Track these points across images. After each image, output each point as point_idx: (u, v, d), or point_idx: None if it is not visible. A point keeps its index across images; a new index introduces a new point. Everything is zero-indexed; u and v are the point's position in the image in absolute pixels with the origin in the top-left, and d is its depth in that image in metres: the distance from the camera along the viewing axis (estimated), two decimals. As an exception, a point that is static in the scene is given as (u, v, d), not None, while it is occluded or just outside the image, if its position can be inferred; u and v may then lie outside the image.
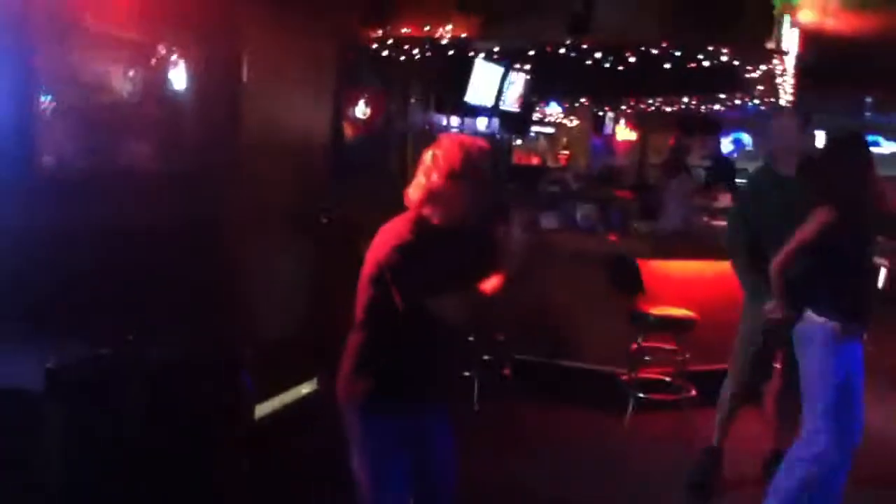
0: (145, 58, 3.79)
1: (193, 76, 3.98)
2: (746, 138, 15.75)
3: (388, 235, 2.46)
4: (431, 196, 2.46)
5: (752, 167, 11.86)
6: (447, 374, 2.68)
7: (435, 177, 2.45)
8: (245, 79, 4.23)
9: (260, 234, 4.48)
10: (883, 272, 6.13)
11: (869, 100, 11.81)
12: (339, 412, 2.58)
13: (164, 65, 3.90)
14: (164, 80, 3.93)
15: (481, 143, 2.54)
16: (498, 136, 9.67)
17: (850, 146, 3.54)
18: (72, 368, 2.71)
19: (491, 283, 2.45)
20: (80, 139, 3.50)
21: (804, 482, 3.38)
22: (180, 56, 3.95)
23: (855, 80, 9.58)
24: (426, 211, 2.49)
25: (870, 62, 8.76)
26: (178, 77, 3.97)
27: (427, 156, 2.50)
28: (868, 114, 14.42)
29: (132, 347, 2.94)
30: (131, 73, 3.75)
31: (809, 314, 3.42)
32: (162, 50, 3.88)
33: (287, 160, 4.76)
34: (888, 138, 15.56)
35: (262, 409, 4.62)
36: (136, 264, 3.47)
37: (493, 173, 2.57)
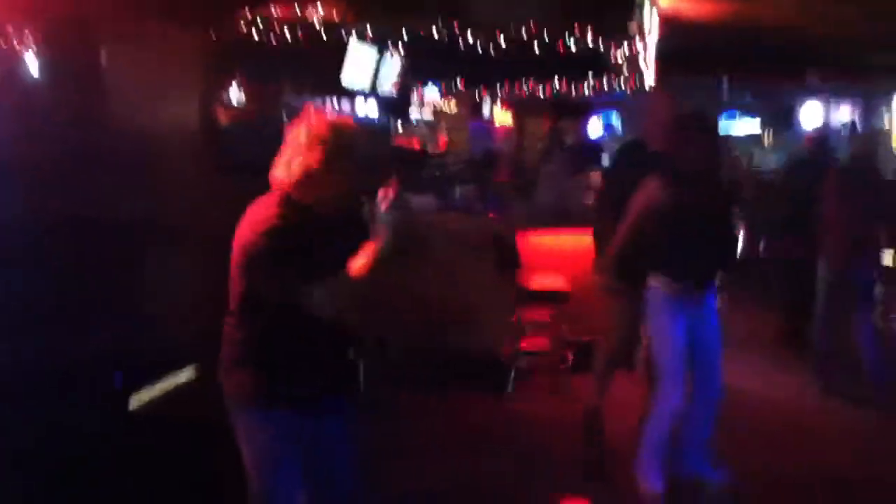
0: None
1: (49, 67, 3.78)
2: (616, 121, 16.39)
3: (255, 219, 2.33)
4: (299, 175, 2.34)
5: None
6: (334, 363, 2.55)
7: (301, 154, 2.34)
8: (104, 69, 4.05)
9: (136, 226, 4.31)
10: (740, 240, 6.57)
11: (724, 82, 12.55)
12: (222, 404, 2.48)
13: (16, 59, 3.69)
14: (17, 75, 3.71)
15: (350, 120, 2.49)
16: (377, 121, 9.68)
17: (689, 123, 3.74)
18: None
19: (358, 265, 2.36)
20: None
21: (663, 437, 3.64)
22: (33, 49, 3.74)
23: (711, 63, 10.14)
24: (295, 192, 2.37)
25: (725, 45, 9.30)
26: (32, 70, 3.76)
27: (298, 133, 2.37)
28: (723, 95, 15.29)
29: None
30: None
31: (650, 279, 3.66)
32: (14, 43, 3.66)
33: (158, 155, 4.59)
34: (744, 114, 16.47)
35: (140, 399, 4.49)
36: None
37: (371, 156, 2.55)
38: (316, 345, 2.43)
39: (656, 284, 3.65)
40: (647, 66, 7.74)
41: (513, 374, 5.11)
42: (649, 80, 8.73)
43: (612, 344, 4.26)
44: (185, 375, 4.93)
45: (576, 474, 3.99)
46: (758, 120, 15.82)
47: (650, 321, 3.72)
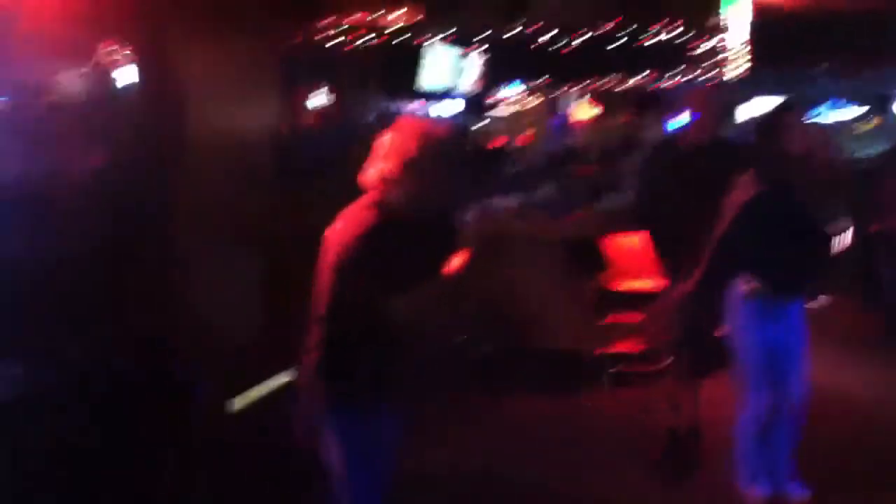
0: (85, 59, 3.68)
1: (135, 79, 3.87)
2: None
3: (350, 222, 2.35)
4: (386, 182, 2.36)
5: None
6: (417, 369, 2.60)
7: (389, 162, 2.35)
8: (183, 81, 4.11)
9: (210, 235, 4.39)
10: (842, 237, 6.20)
11: (825, 66, 11.98)
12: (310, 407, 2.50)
13: (104, 68, 3.79)
14: (106, 84, 3.82)
15: (442, 126, 2.47)
16: (458, 120, 9.65)
17: (774, 116, 3.52)
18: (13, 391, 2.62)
19: (448, 272, 2.37)
20: (24, 145, 3.40)
21: (754, 444, 3.50)
22: (123, 59, 3.85)
23: (806, 50, 9.70)
24: (385, 197, 2.38)
25: (820, 30, 8.87)
26: (119, 80, 3.86)
27: (384, 139, 2.39)
28: (818, 82, 14.62)
29: (74, 368, 2.85)
30: (74, 75, 3.65)
31: (736, 282, 3.47)
32: (102, 53, 3.77)
33: (235, 159, 4.66)
34: (848, 102, 15.72)
35: (242, 401, 4.58)
36: (82, 276, 3.37)
37: (456, 159, 2.52)
38: (400, 350, 2.44)
39: (744, 290, 3.45)
40: (728, 60, 7.46)
41: (605, 377, 4.97)
42: (731, 73, 8.42)
43: (686, 351, 4.09)
44: (284, 378, 5.03)
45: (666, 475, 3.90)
46: (861, 107, 15.07)
47: (735, 327, 3.52)
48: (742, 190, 3.43)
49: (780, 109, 3.55)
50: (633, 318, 5.11)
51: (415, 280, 2.30)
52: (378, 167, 2.37)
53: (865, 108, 15.20)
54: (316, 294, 2.43)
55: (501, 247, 5.58)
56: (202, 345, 3.99)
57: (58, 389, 2.86)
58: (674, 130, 14.43)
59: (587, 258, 5.04)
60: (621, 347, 5.16)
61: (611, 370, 5.00)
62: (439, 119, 9.03)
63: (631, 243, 5.36)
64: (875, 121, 15.16)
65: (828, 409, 4.38)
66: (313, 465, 2.58)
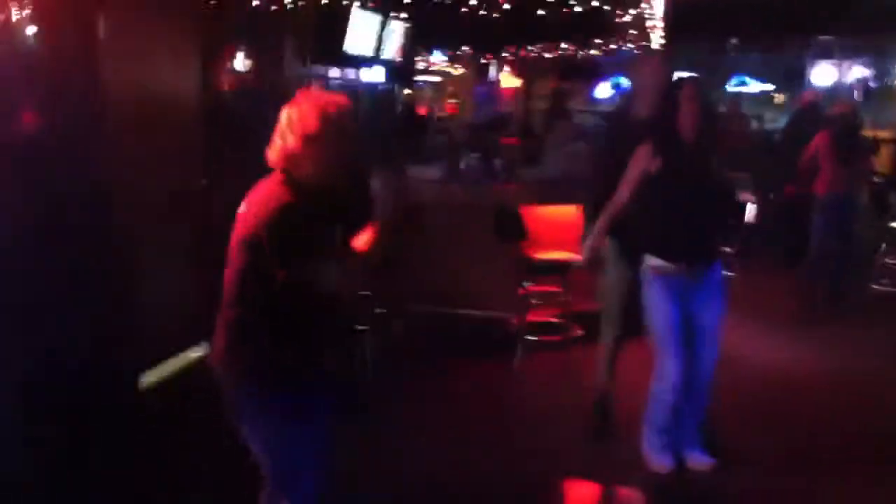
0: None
1: (46, 34, 3.69)
2: (625, 82, 16.17)
3: (263, 196, 2.34)
4: (289, 159, 2.36)
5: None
6: (334, 341, 2.57)
7: (290, 139, 2.34)
8: (102, 37, 3.95)
9: (134, 201, 4.27)
10: (751, 207, 6.50)
11: (733, 41, 12.32)
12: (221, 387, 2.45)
13: (11, 24, 3.59)
14: (13, 41, 3.62)
15: (340, 99, 2.43)
16: (381, 87, 9.56)
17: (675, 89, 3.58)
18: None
19: (361, 241, 2.40)
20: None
21: (664, 414, 3.61)
22: (30, 13, 3.64)
23: (719, 22, 9.94)
24: (293, 171, 2.37)
25: (732, 4, 9.10)
26: (29, 36, 3.67)
27: (283, 115, 2.38)
28: (732, 54, 15.05)
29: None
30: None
31: (644, 256, 3.58)
32: (10, 8, 3.57)
33: (155, 123, 4.53)
34: (753, 77, 16.29)
35: (150, 377, 4.49)
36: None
37: (368, 128, 2.52)
38: (321, 320, 2.42)
39: (648, 262, 3.58)
40: (653, 28, 7.58)
41: (520, 346, 5.09)
42: (656, 41, 8.57)
43: (611, 318, 4.19)
44: (196, 352, 4.95)
45: (584, 441, 4.02)
46: (769, 84, 15.59)
47: (645, 297, 3.64)
48: (638, 162, 3.53)
49: (675, 85, 3.62)
50: (552, 287, 5.22)
51: (328, 251, 2.30)
52: (280, 143, 2.37)
53: (774, 82, 15.76)
54: (228, 272, 2.40)
55: (426, 215, 5.63)
56: (117, 315, 3.89)
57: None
58: (606, 101, 14.65)
59: (510, 228, 5.10)
60: (538, 316, 5.28)
61: (528, 339, 5.11)
62: (364, 85, 8.93)
63: (552, 214, 5.47)
64: (786, 95, 15.76)
65: (743, 380, 4.66)
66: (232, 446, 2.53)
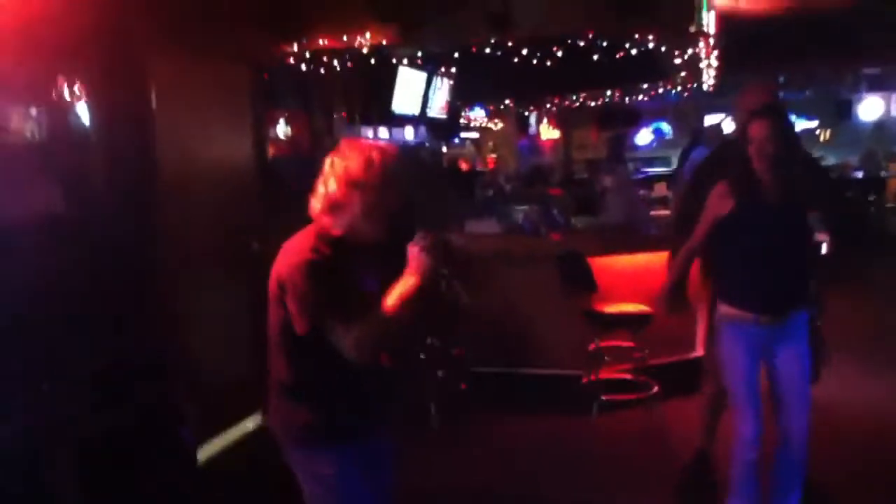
0: (45, 94, 3.45)
1: (99, 110, 3.65)
2: (666, 127, 15.99)
3: (292, 250, 2.24)
4: (332, 206, 2.25)
5: (674, 155, 12.16)
6: (390, 392, 2.48)
7: (333, 185, 2.24)
8: (154, 108, 3.90)
9: (190, 270, 4.18)
10: (825, 245, 6.19)
11: (781, 79, 12.09)
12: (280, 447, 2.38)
13: (66, 101, 3.56)
14: (69, 118, 3.58)
15: (386, 146, 2.34)
16: (427, 144, 9.52)
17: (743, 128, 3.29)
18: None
19: (392, 299, 2.22)
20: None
21: (743, 474, 3.31)
22: (83, 90, 3.61)
23: (767, 60, 9.77)
24: (329, 223, 2.27)
25: (780, 41, 8.94)
26: (83, 113, 3.63)
27: (326, 163, 2.28)
28: (781, 93, 14.81)
29: (58, 414, 2.63)
30: (33, 112, 3.40)
31: (717, 303, 3.35)
32: (62, 85, 3.54)
33: (209, 190, 4.47)
34: (799, 115, 15.99)
35: (208, 451, 4.34)
36: (56, 319, 3.13)
37: (413, 179, 2.40)
38: (368, 376, 2.33)
39: (721, 310, 3.32)
40: (706, 68, 7.42)
41: (595, 403, 4.81)
42: (709, 81, 8.39)
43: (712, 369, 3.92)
44: (252, 421, 4.79)
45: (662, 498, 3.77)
46: (813, 122, 15.29)
47: (716, 349, 3.37)
48: (711, 203, 3.29)
49: (749, 119, 3.29)
50: (623, 342, 4.96)
51: (360, 308, 2.19)
52: (323, 189, 2.27)
53: (820, 118, 15.45)
54: (269, 329, 2.32)
55: (487, 269, 5.45)
56: (185, 384, 3.75)
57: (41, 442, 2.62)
58: (646, 147, 14.48)
59: (578, 279, 4.88)
60: (611, 373, 5.01)
61: (601, 397, 4.83)
62: (409, 145, 8.91)
63: (618, 264, 5.25)
64: (831, 131, 15.42)
65: (843, 430, 4.32)
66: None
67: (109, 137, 3.68)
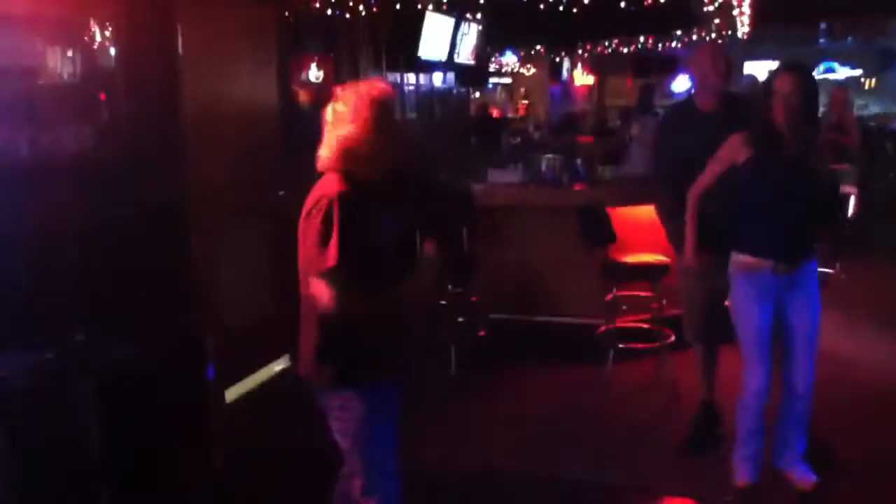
0: (76, 36, 3.53)
1: (126, 52, 3.72)
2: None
3: (321, 190, 2.30)
4: (345, 150, 2.30)
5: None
6: (415, 340, 2.61)
7: (347, 129, 2.29)
8: (181, 51, 3.96)
9: (214, 214, 4.28)
10: (852, 200, 6.12)
11: (823, 26, 11.76)
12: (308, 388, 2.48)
13: (94, 43, 3.64)
14: (97, 60, 3.66)
15: (383, 85, 2.39)
16: (455, 91, 9.47)
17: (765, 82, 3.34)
18: (20, 377, 2.53)
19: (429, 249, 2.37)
20: (15, 126, 3.26)
21: (751, 424, 3.36)
22: (111, 33, 3.68)
23: (808, 8, 9.48)
24: (347, 167, 2.32)
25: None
26: (111, 55, 3.71)
27: (328, 111, 2.33)
28: (822, 40, 14.39)
29: (81, 349, 2.76)
30: (67, 54, 3.49)
31: (732, 254, 3.35)
32: (91, 27, 3.61)
33: (235, 134, 4.54)
34: (842, 63, 15.58)
35: (236, 391, 4.51)
36: (82, 259, 3.26)
37: (444, 133, 2.46)
38: (397, 322, 2.43)
39: (736, 260, 3.33)
40: (741, 15, 7.24)
41: (611, 351, 4.89)
42: (743, 29, 8.20)
43: (693, 324, 3.98)
44: (279, 365, 4.95)
45: (675, 452, 3.85)
46: (857, 70, 14.86)
47: (731, 299, 3.39)
48: (728, 150, 3.30)
49: (771, 75, 3.32)
50: (639, 292, 5.00)
51: (392, 252, 2.28)
52: (336, 137, 2.31)
53: (864, 67, 15.01)
54: (300, 279, 2.38)
55: (508, 219, 5.49)
56: (210, 327, 3.89)
57: (63, 374, 2.76)
58: (682, 94, 14.33)
59: (597, 232, 4.91)
60: (627, 323, 5.06)
61: (617, 346, 4.91)
62: (438, 91, 8.87)
63: (636, 215, 5.25)
64: (875, 80, 14.99)
65: (850, 385, 4.35)
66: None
67: (136, 79, 3.76)
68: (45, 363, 2.65)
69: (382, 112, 2.32)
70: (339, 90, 2.37)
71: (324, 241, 2.22)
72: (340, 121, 2.31)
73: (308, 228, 2.28)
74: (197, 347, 3.70)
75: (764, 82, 3.30)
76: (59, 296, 3.11)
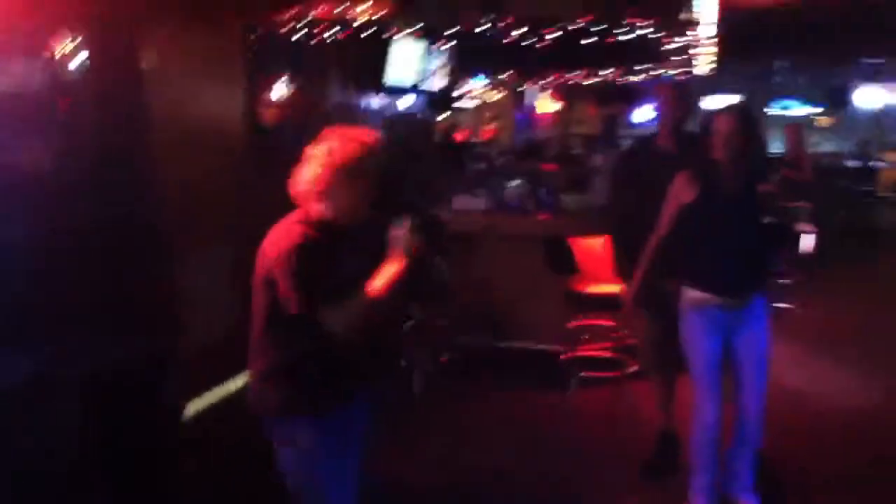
0: (38, 48, 3.47)
1: (91, 66, 3.67)
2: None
3: (279, 236, 2.35)
4: (319, 193, 2.35)
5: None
6: (371, 365, 2.60)
7: (321, 173, 2.34)
8: (145, 67, 3.92)
9: (178, 230, 4.22)
10: (811, 238, 6.27)
11: (779, 63, 12.11)
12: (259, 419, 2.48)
13: (58, 56, 3.58)
14: (61, 72, 3.61)
15: (370, 135, 2.44)
16: (419, 116, 9.51)
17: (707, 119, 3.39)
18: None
19: (375, 285, 2.35)
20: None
21: (704, 454, 3.43)
22: (76, 45, 3.63)
23: (766, 47, 9.78)
24: (315, 208, 2.38)
25: (779, 28, 8.94)
26: (75, 68, 3.65)
27: (315, 150, 2.38)
28: (778, 79, 14.80)
29: (56, 362, 2.72)
30: (24, 65, 3.43)
31: (683, 288, 3.43)
32: (56, 39, 3.56)
33: (200, 152, 4.50)
34: (798, 100, 16.01)
35: (194, 406, 4.44)
36: (45, 275, 3.19)
37: (402, 155, 2.49)
38: (350, 350, 2.44)
39: (687, 294, 3.41)
40: (698, 55, 7.43)
41: (572, 380, 4.92)
42: (700, 69, 8.41)
43: (647, 356, 4.08)
44: (238, 382, 4.87)
45: (635, 480, 3.88)
46: (810, 106, 15.31)
47: (681, 332, 3.47)
48: (675, 192, 3.40)
49: (714, 113, 3.39)
50: (602, 321, 5.05)
51: (343, 292, 2.30)
52: (308, 178, 2.36)
53: (816, 105, 15.45)
54: (253, 311, 2.43)
55: (472, 246, 5.52)
56: (171, 341, 3.83)
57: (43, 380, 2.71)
58: (644, 125, 14.53)
59: (561, 261, 4.96)
60: (589, 351, 5.10)
61: (579, 373, 4.94)
62: (404, 115, 8.90)
63: (599, 246, 5.31)
64: (830, 118, 15.44)
65: (802, 416, 4.44)
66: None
67: (101, 93, 3.71)
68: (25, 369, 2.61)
69: (365, 165, 2.36)
70: (327, 131, 2.40)
71: (286, 290, 2.28)
72: (320, 163, 2.34)
73: (271, 274, 2.33)
74: (165, 359, 3.65)
75: (704, 123, 3.40)
76: (23, 313, 3.04)
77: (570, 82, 12.88)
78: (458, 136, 13.26)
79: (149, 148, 3.95)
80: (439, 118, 11.96)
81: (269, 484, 2.65)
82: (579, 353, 5.04)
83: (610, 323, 5.01)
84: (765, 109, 15.21)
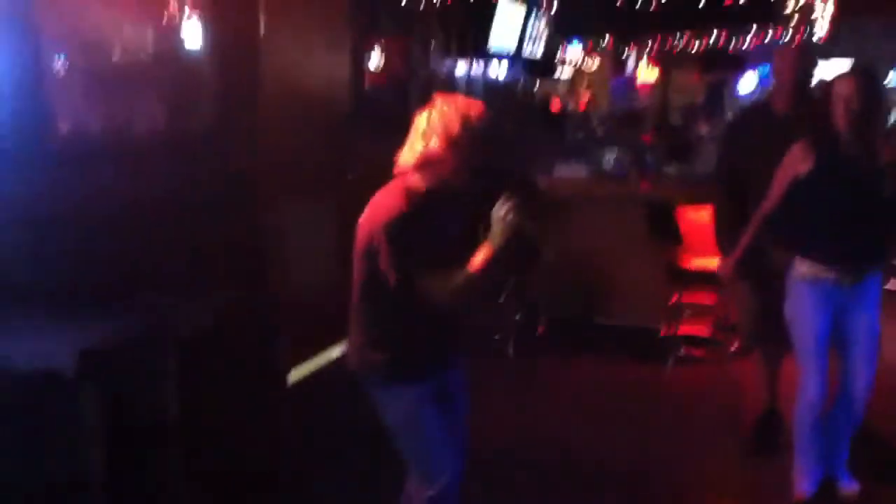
0: (158, 14, 3.59)
1: (209, 31, 3.77)
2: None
3: (380, 207, 2.35)
4: (425, 162, 2.34)
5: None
6: (460, 335, 2.63)
7: (432, 141, 2.32)
8: (262, 32, 4.00)
9: (285, 194, 4.32)
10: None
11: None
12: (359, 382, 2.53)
13: (177, 21, 3.70)
14: (180, 40, 3.72)
15: (479, 106, 2.40)
16: (521, 82, 9.41)
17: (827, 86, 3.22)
18: (103, 347, 2.60)
19: (476, 261, 2.33)
20: (95, 103, 3.33)
21: (807, 434, 3.32)
22: (194, 10, 3.74)
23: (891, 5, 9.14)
24: (418, 177, 2.37)
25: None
26: (194, 33, 3.77)
27: (422, 118, 2.35)
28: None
29: (162, 321, 2.83)
30: (145, 31, 3.55)
31: (793, 262, 3.28)
32: (174, 6, 3.67)
33: (308, 115, 4.58)
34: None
35: (296, 375, 4.56)
36: (159, 234, 3.33)
37: (510, 127, 2.45)
38: (441, 322, 2.48)
39: (799, 268, 3.25)
40: (822, 15, 7.02)
41: (670, 358, 4.81)
42: (821, 30, 7.95)
43: (748, 330, 3.94)
44: (338, 350, 4.98)
45: (733, 459, 3.81)
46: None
47: (789, 306, 3.32)
48: (790, 162, 3.21)
49: (833, 79, 3.20)
50: (704, 298, 4.90)
51: (444, 262, 2.30)
52: (420, 145, 2.34)
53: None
54: (354, 279, 2.45)
55: (572, 216, 5.43)
56: (269, 311, 3.94)
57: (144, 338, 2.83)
58: (749, 95, 13.93)
59: (664, 230, 4.83)
60: (689, 329, 4.96)
61: (677, 352, 4.82)
62: (503, 82, 8.82)
63: (704, 217, 5.14)
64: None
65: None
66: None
67: (218, 59, 3.82)
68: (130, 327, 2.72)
69: (472, 135, 2.32)
70: (437, 98, 2.38)
71: (387, 260, 2.30)
72: (430, 132, 2.33)
73: (372, 243, 2.35)
74: (266, 316, 3.76)
75: (824, 88, 3.20)
76: (138, 271, 3.17)
77: (671, 49, 12.45)
78: (555, 105, 13.06)
79: (260, 118, 4.04)
80: (537, 86, 11.80)
81: (372, 450, 2.72)
82: (680, 332, 4.92)
83: (712, 300, 4.86)
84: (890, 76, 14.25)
